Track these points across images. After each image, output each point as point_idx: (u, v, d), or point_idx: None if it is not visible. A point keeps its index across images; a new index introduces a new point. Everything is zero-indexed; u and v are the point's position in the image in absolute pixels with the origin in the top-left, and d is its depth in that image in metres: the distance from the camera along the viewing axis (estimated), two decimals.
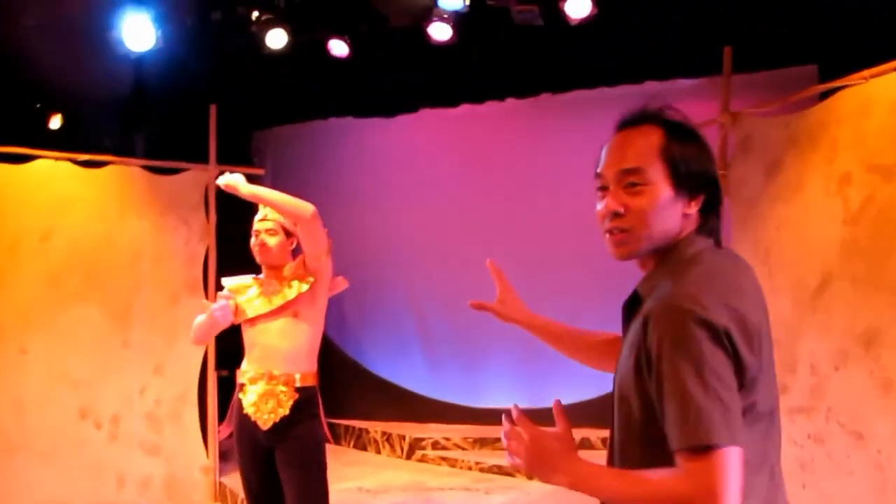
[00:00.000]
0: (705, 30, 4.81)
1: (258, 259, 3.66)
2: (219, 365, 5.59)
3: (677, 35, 4.89)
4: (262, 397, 3.54)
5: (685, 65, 5.07)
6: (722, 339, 1.47)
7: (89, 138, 5.65)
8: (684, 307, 1.48)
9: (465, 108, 6.13)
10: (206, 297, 5.49)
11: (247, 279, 3.74)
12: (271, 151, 6.73)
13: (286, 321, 3.57)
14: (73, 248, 5.39)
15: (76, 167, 5.38)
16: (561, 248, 5.95)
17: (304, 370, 3.61)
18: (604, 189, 1.65)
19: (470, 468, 6.33)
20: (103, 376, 5.40)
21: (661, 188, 1.60)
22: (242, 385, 3.62)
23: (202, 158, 5.54)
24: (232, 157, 5.61)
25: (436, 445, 6.56)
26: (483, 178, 6.19)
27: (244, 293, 3.67)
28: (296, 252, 3.71)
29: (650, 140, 1.62)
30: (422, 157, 6.35)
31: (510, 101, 5.96)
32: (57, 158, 5.32)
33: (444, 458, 6.48)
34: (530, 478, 5.64)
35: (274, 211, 3.60)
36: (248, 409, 3.56)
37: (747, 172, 4.48)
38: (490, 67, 5.66)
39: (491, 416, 5.41)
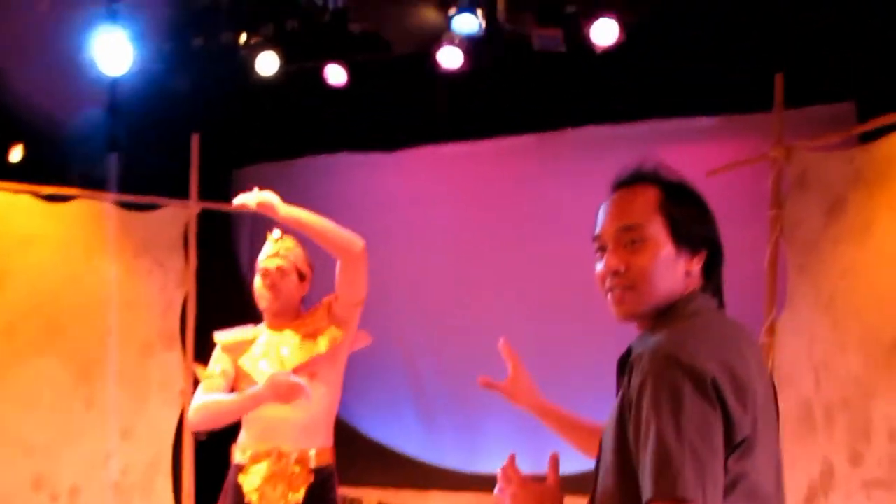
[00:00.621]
0: (747, 61, 4.39)
1: (264, 305, 3.16)
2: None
3: (716, 66, 4.46)
4: (268, 480, 2.98)
5: (724, 98, 4.63)
6: (707, 389, 1.42)
7: (54, 170, 5.03)
8: (669, 352, 1.45)
9: (470, 145, 5.59)
10: (184, 352, 4.93)
11: (245, 332, 3.22)
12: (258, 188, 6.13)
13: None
14: (32, 293, 4.76)
15: (38, 201, 4.79)
16: (572, 300, 5.44)
17: (321, 445, 3.08)
18: (602, 250, 1.64)
19: None
20: (62, 441, 4.75)
21: (662, 244, 1.59)
22: (242, 466, 3.05)
23: (182, 193, 5.00)
24: (215, 193, 5.08)
25: None
26: (489, 222, 5.63)
27: (244, 350, 3.16)
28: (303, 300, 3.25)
29: (647, 197, 1.62)
30: (423, 197, 5.75)
31: (525, 137, 5.46)
32: (16, 191, 4.72)
33: None
34: None
35: (290, 247, 3.17)
36: (251, 496, 2.99)
37: (804, 212, 4.06)
38: (504, 99, 5.17)
39: (492, 483, 4.87)
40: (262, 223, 5.76)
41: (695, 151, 4.87)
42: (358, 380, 5.93)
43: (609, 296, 1.63)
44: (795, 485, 3.75)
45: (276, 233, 3.24)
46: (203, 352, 5.11)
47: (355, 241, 3.02)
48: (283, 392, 2.89)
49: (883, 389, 3.64)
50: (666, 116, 4.91)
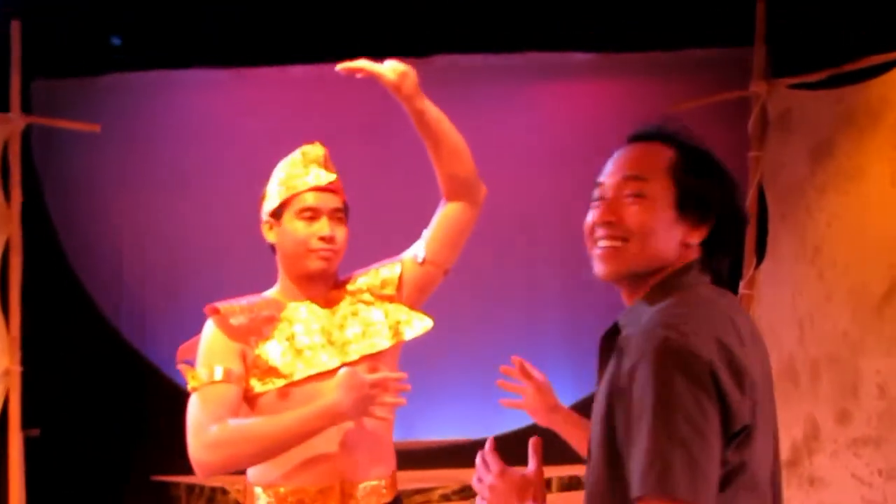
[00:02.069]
0: None
1: (316, 266, 2.13)
2: (26, 422, 3.99)
3: None
4: None
5: (696, 30, 4.29)
6: (704, 377, 1.31)
7: None
8: (663, 335, 1.34)
9: (322, 68, 4.65)
10: (7, 322, 3.91)
11: (256, 305, 2.17)
12: (99, 104, 4.74)
13: None
14: None
15: None
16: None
17: (391, 470, 2.21)
18: (601, 199, 1.51)
19: None
20: None
21: (663, 206, 1.47)
22: None
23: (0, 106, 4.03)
24: (45, 106, 4.32)
25: None
26: (347, 156, 4.73)
27: (266, 334, 2.11)
28: None
29: (661, 156, 1.51)
30: (267, 126, 4.69)
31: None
32: None
33: None
34: None
35: (336, 174, 2.20)
36: None
37: (787, 155, 3.86)
38: (372, 18, 4.39)
39: (426, 454, 4.57)
40: (109, 154, 4.86)
41: (643, 88, 4.62)
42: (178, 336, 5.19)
43: (595, 250, 1.51)
44: None
45: (311, 148, 2.24)
46: (35, 320, 4.03)
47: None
48: (368, 402, 1.97)
49: (872, 343, 3.51)
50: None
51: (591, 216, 1.52)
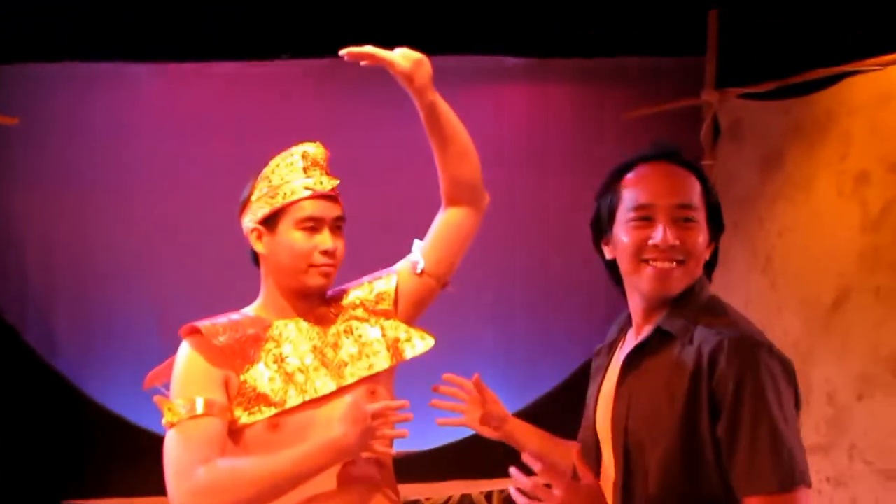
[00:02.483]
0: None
1: (316, 281, 1.91)
2: None
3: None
4: None
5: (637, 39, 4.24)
6: (793, 375, 1.52)
7: None
8: (760, 341, 1.50)
9: (251, 66, 4.36)
10: None
11: (239, 323, 1.91)
12: (22, 96, 4.36)
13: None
14: None
15: None
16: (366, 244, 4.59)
17: (398, 502, 2.00)
18: (651, 220, 1.59)
19: None
20: None
21: (704, 230, 1.62)
22: None
23: None
24: None
25: None
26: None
27: (252, 357, 1.87)
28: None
29: (695, 182, 1.63)
30: (189, 125, 4.45)
31: (321, 61, 4.17)
32: None
33: None
34: None
35: (337, 183, 1.96)
36: None
37: (739, 165, 3.92)
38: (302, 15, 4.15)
39: None
40: (28, 149, 4.53)
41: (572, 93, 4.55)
42: (102, 353, 4.46)
43: (647, 269, 1.59)
44: None
45: (311, 148, 1.99)
46: None
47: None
48: (370, 436, 1.76)
49: (822, 352, 3.59)
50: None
51: (641, 236, 1.59)
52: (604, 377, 1.74)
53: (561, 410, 2.35)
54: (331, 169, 1.98)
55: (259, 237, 1.93)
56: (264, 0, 4.11)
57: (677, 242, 1.57)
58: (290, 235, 1.89)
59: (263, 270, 1.97)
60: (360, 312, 2.00)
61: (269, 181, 1.93)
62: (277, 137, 4.11)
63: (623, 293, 1.71)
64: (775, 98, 3.77)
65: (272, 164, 1.96)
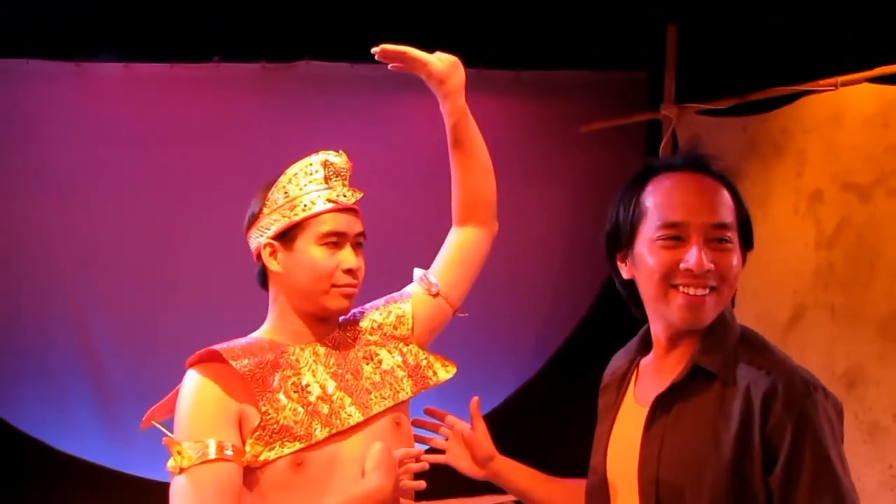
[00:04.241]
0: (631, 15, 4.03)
1: (337, 304, 1.73)
2: None
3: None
4: None
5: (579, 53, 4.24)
6: (842, 418, 1.41)
7: None
8: (815, 384, 1.38)
9: (180, 68, 4.13)
10: None
11: (254, 346, 1.70)
12: None
13: (383, 441, 1.69)
14: None
15: None
16: None
17: None
18: (676, 239, 1.41)
19: None
20: None
21: (738, 252, 1.45)
22: None
23: None
24: None
25: None
26: (192, 165, 4.15)
27: (272, 386, 1.65)
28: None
29: (726, 195, 1.45)
30: (110, 129, 4.10)
31: (248, 66, 4.11)
32: None
33: None
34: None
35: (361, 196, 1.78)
36: None
37: None
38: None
39: None
40: None
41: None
42: (17, 373, 4.16)
43: (679, 295, 1.41)
44: None
45: (334, 157, 1.78)
46: None
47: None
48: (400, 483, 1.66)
49: None
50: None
51: (671, 257, 1.41)
52: (615, 416, 1.56)
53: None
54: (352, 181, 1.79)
55: (273, 254, 1.71)
56: (195, 2, 3.89)
57: (712, 266, 1.40)
58: (310, 252, 1.69)
59: (274, 291, 1.75)
60: (377, 337, 1.82)
61: (286, 192, 1.72)
62: (201, 142, 4.06)
63: (638, 316, 1.55)
64: (733, 115, 3.80)
65: (289, 173, 1.73)
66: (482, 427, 1.82)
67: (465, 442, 1.82)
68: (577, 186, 4.54)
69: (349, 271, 1.70)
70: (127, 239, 4.09)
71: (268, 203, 1.73)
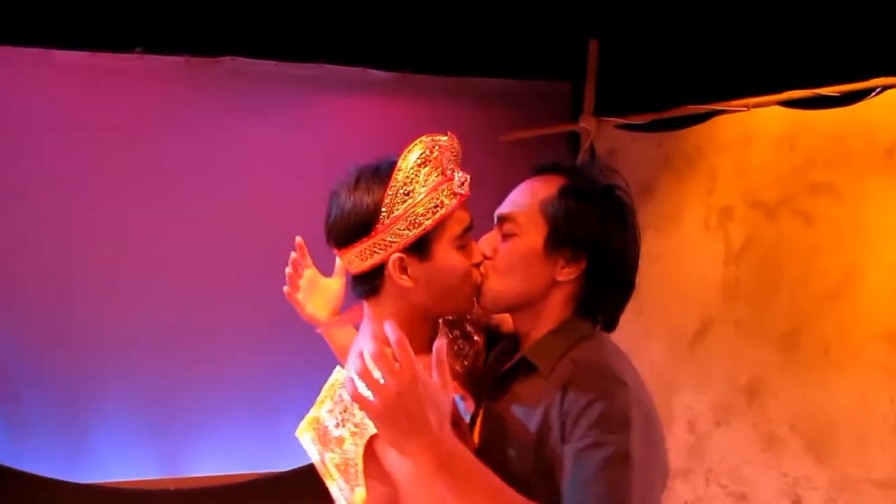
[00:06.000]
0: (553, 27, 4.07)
1: (465, 307, 1.56)
2: None
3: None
4: None
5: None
6: (654, 423, 1.41)
7: None
8: (616, 377, 1.37)
9: (98, 57, 3.96)
10: None
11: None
12: None
13: None
14: None
15: None
16: (217, 257, 4.05)
17: None
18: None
19: None
20: None
21: (531, 240, 1.47)
22: None
23: None
24: None
25: None
26: (112, 160, 3.98)
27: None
28: None
29: (544, 191, 1.49)
30: (26, 118, 3.93)
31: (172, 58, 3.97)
32: None
33: None
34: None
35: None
36: None
37: None
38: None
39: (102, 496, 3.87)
40: None
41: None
42: None
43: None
44: None
45: (453, 142, 1.52)
46: None
47: None
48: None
49: (684, 380, 3.73)
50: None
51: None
52: None
53: None
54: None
55: (403, 270, 1.44)
56: None
57: (488, 251, 1.53)
58: (451, 258, 1.46)
59: (389, 303, 1.48)
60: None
61: (410, 192, 1.43)
62: (107, 129, 3.88)
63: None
64: (650, 131, 3.87)
65: (403, 168, 1.43)
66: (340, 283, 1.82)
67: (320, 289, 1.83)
68: (497, 196, 4.54)
69: (477, 266, 1.51)
70: (35, 231, 3.88)
71: (382, 211, 1.42)
